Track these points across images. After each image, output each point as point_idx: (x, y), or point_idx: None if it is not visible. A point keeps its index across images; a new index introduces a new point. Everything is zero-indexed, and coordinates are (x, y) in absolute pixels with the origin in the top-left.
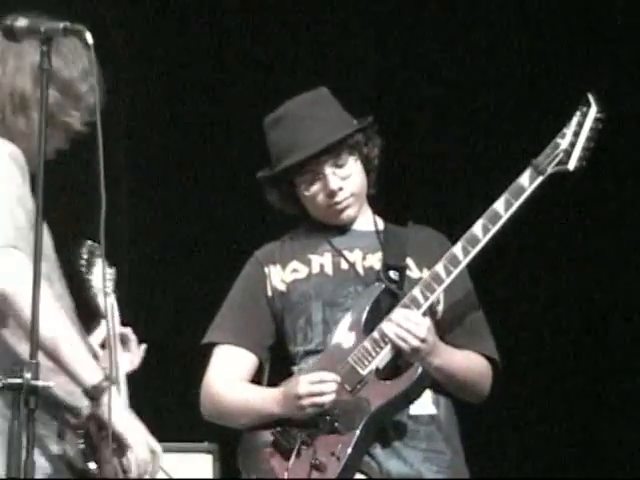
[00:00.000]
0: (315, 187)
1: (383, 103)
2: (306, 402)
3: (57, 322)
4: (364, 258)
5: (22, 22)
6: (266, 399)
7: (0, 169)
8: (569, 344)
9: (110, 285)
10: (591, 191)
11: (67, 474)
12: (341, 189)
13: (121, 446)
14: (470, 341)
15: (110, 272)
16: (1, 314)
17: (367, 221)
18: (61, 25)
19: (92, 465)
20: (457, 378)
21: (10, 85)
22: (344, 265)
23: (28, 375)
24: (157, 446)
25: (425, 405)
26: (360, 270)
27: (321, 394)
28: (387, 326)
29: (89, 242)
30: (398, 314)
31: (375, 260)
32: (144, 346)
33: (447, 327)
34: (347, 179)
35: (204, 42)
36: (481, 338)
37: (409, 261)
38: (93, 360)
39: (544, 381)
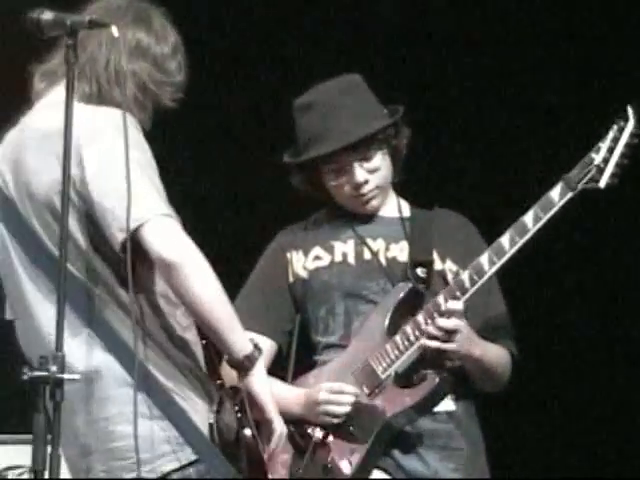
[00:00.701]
0: (341, 178)
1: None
2: (323, 409)
3: (214, 290)
4: (387, 248)
5: (48, 15)
6: (288, 398)
7: (131, 136)
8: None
9: None
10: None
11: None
12: (367, 182)
13: (264, 418)
14: (493, 334)
15: None
16: (158, 282)
17: (392, 207)
18: (87, 18)
19: (247, 432)
20: (490, 369)
21: (105, 57)
22: (367, 255)
23: (54, 368)
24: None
25: (444, 402)
26: (383, 260)
27: (338, 404)
28: (424, 330)
29: None
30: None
31: (398, 250)
32: None
33: (471, 320)
34: (374, 172)
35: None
36: (504, 331)
37: (434, 253)
38: (243, 331)
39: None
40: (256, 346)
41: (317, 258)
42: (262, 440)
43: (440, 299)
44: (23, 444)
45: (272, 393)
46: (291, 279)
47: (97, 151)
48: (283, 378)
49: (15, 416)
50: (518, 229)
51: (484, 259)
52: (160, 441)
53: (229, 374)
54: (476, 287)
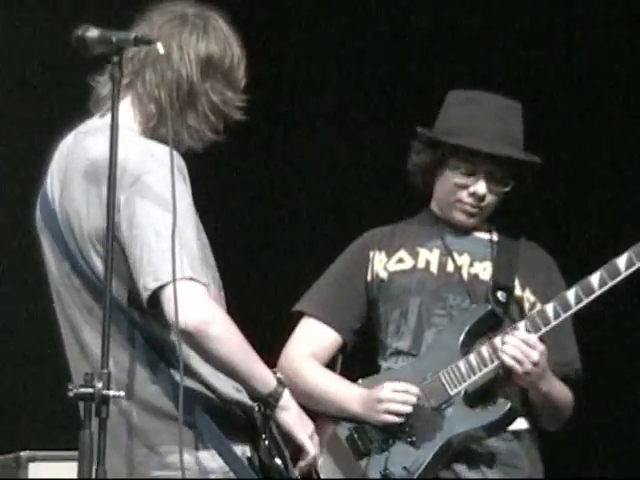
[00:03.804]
0: (467, 180)
1: None
2: (385, 407)
3: (233, 352)
4: (471, 265)
5: (93, 32)
6: (347, 396)
7: (177, 185)
8: None
9: None
10: None
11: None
12: (484, 198)
13: (296, 444)
14: (562, 371)
15: None
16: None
17: (483, 229)
18: (132, 35)
19: (278, 461)
20: (555, 406)
21: (177, 77)
22: (450, 267)
23: (99, 385)
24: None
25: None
26: (465, 275)
27: (402, 402)
28: (503, 347)
29: None
30: (514, 337)
31: (481, 269)
32: None
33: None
34: (493, 194)
35: None
36: (573, 371)
37: (515, 280)
38: (265, 367)
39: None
40: (279, 380)
41: (400, 261)
42: (292, 467)
43: (521, 326)
44: (69, 461)
45: (306, 419)
46: (369, 277)
47: (135, 199)
48: (347, 377)
49: (61, 433)
50: (610, 270)
51: (571, 295)
52: (205, 472)
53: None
54: (558, 321)
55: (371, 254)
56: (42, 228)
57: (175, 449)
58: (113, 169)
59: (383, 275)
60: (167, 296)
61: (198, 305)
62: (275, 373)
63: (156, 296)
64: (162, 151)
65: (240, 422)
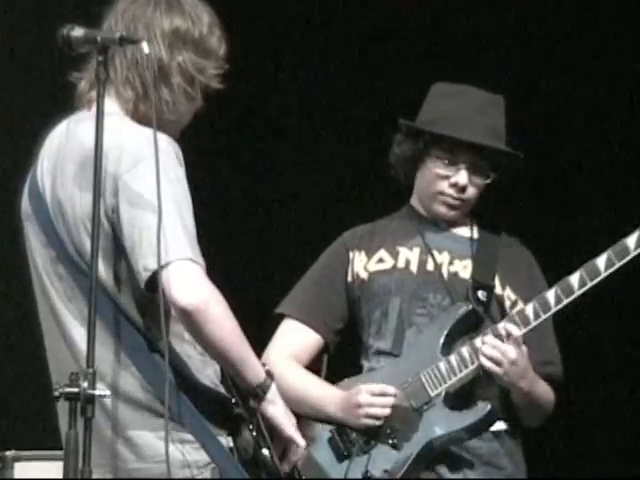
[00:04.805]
0: (446, 170)
1: None
2: (364, 412)
3: (229, 336)
4: (451, 263)
5: (78, 32)
6: (326, 399)
7: (171, 168)
8: None
9: None
10: None
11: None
12: (465, 190)
13: (281, 438)
14: (543, 369)
15: None
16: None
17: (463, 225)
18: (117, 35)
19: (265, 452)
20: (537, 404)
21: (145, 57)
22: (430, 266)
23: (85, 384)
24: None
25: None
26: (445, 274)
27: (381, 406)
28: (481, 348)
29: None
30: (493, 337)
31: (461, 267)
32: None
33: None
34: (475, 186)
35: None
36: (554, 369)
37: (496, 278)
38: (256, 358)
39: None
40: (268, 373)
41: (380, 261)
42: (279, 459)
43: (500, 327)
44: (55, 460)
45: (290, 414)
46: (350, 278)
47: (135, 182)
48: (328, 379)
49: (47, 432)
50: (589, 271)
51: (551, 295)
52: (180, 466)
53: None
54: (539, 321)
55: (351, 255)
56: (28, 215)
57: (155, 441)
58: (99, 163)
59: (363, 276)
60: (167, 277)
61: (199, 285)
62: (264, 365)
63: (155, 278)
64: (159, 137)
65: (221, 414)
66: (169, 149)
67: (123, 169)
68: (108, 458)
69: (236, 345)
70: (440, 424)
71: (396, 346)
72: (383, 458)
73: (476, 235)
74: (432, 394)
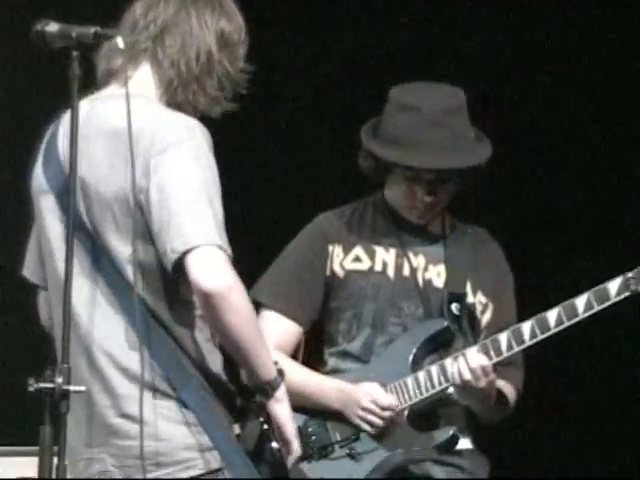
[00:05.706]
0: (410, 186)
1: None
2: (362, 415)
3: (247, 325)
4: (426, 268)
5: (53, 27)
6: (326, 392)
7: (203, 154)
8: None
9: None
10: None
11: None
12: (434, 203)
13: (283, 438)
14: (506, 370)
15: None
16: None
17: (438, 223)
18: (92, 30)
19: (275, 444)
20: (500, 408)
21: (197, 44)
22: (406, 271)
23: (60, 379)
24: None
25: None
26: (420, 281)
27: (380, 418)
28: (453, 372)
29: None
30: (465, 363)
31: (435, 274)
32: None
33: None
34: (442, 193)
35: None
36: (516, 369)
37: (467, 284)
38: (270, 354)
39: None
40: (280, 371)
41: (357, 259)
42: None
43: (472, 353)
44: (29, 456)
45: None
46: (328, 273)
47: (167, 165)
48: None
49: (21, 428)
50: (567, 311)
51: (526, 329)
52: (183, 447)
53: None
54: (510, 354)
55: (330, 248)
56: (43, 190)
57: (155, 420)
58: (74, 154)
59: (340, 273)
60: (193, 260)
61: (223, 272)
62: (276, 364)
63: (181, 261)
64: (191, 122)
65: (228, 403)
66: (202, 136)
67: (155, 151)
68: (106, 436)
69: (253, 336)
70: (401, 442)
71: (365, 352)
72: (336, 468)
73: (448, 229)
74: (397, 409)
